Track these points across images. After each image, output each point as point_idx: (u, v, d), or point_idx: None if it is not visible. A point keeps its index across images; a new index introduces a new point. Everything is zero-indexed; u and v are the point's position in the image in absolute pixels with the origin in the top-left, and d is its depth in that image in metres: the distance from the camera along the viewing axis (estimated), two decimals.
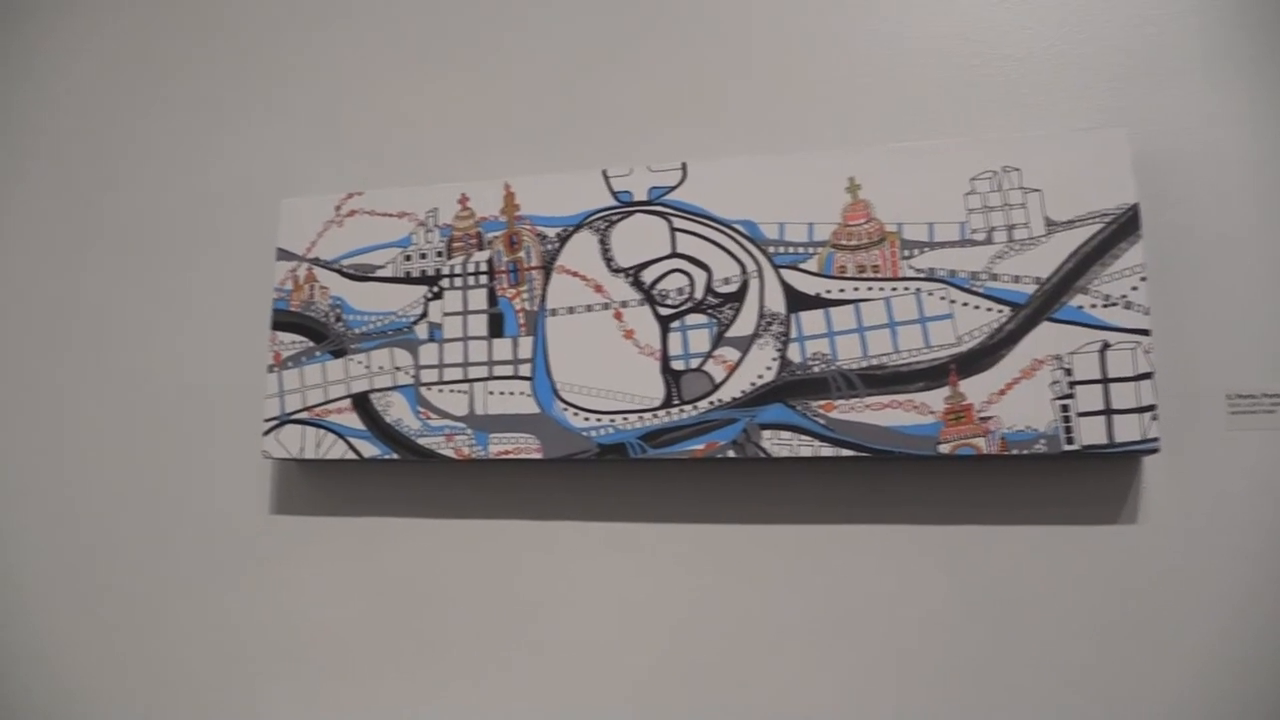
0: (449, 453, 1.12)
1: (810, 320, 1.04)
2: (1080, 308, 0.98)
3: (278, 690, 1.23)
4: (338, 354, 1.19)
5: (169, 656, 1.28)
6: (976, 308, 1.00)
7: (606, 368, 1.09)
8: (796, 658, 1.07)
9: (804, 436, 1.02)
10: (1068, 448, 0.96)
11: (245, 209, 1.37)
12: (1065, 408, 0.97)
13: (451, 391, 1.14)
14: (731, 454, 1.03)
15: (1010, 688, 1.01)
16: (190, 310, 1.37)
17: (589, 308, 1.11)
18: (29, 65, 1.55)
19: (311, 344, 1.20)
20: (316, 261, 1.22)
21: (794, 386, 1.03)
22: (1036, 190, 1.01)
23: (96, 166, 1.47)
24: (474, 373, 1.13)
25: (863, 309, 1.03)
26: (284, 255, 1.24)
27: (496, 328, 1.13)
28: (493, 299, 1.14)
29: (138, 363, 1.38)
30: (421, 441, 1.14)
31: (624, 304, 1.10)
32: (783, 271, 1.06)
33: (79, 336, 1.42)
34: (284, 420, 1.19)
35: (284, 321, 1.22)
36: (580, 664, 1.13)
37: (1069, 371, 0.97)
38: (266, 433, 1.20)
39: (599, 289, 1.11)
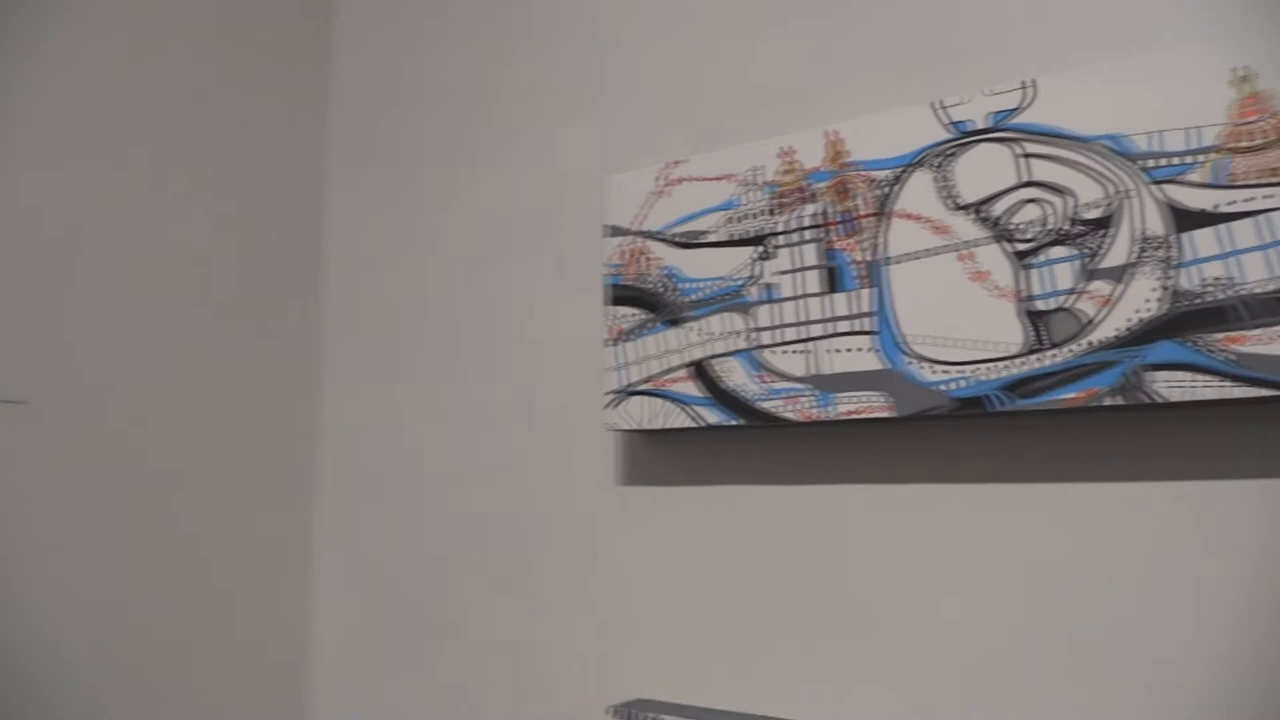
0: (791, 415, 1.09)
1: (1202, 240, 0.89)
2: None
3: (644, 662, 1.26)
4: (673, 323, 1.19)
5: (528, 630, 1.36)
6: None
7: (957, 315, 1.00)
8: (1213, 638, 0.93)
9: (1204, 376, 0.88)
10: None
11: (572, 190, 1.41)
12: None
13: (790, 352, 1.10)
14: (1114, 401, 0.91)
15: None
16: (529, 293, 1.43)
17: (932, 251, 1.02)
18: (367, 69, 1.69)
19: (647, 315, 1.21)
20: (645, 234, 1.23)
21: (1187, 319, 0.89)
22: None
23: (436, 164, 1.58)
24: (812, 331, 1.09)
25: (1274, 220, 0.87)
26: (613, 231, 1.25)
27: (832, 282, 1.08)
28: (826, 253, 1.09)
29: (482, 347, 1.47)
30: (762, 405, 1.11)
31: (971, 243, 1.01)
32: (1161, 187, 0.92)
33: (428, 326, 1.54)
34: (626, 392, 1.21)
35: (619, 296, 1.23)
36: (940, 635, 1.05)
37: None
38: (608, 406, 1.23)
39: (941, 230, 1.02)
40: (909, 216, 1.04)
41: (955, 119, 1.03)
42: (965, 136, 1.02)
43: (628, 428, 1.21)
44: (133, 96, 1.49)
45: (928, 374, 1.01)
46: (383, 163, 1.67)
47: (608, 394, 1.23)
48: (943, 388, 1.00)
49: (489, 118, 1.53)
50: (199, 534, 1.51)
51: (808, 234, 1.10)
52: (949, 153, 1.03)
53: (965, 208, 1.01)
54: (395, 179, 1.64)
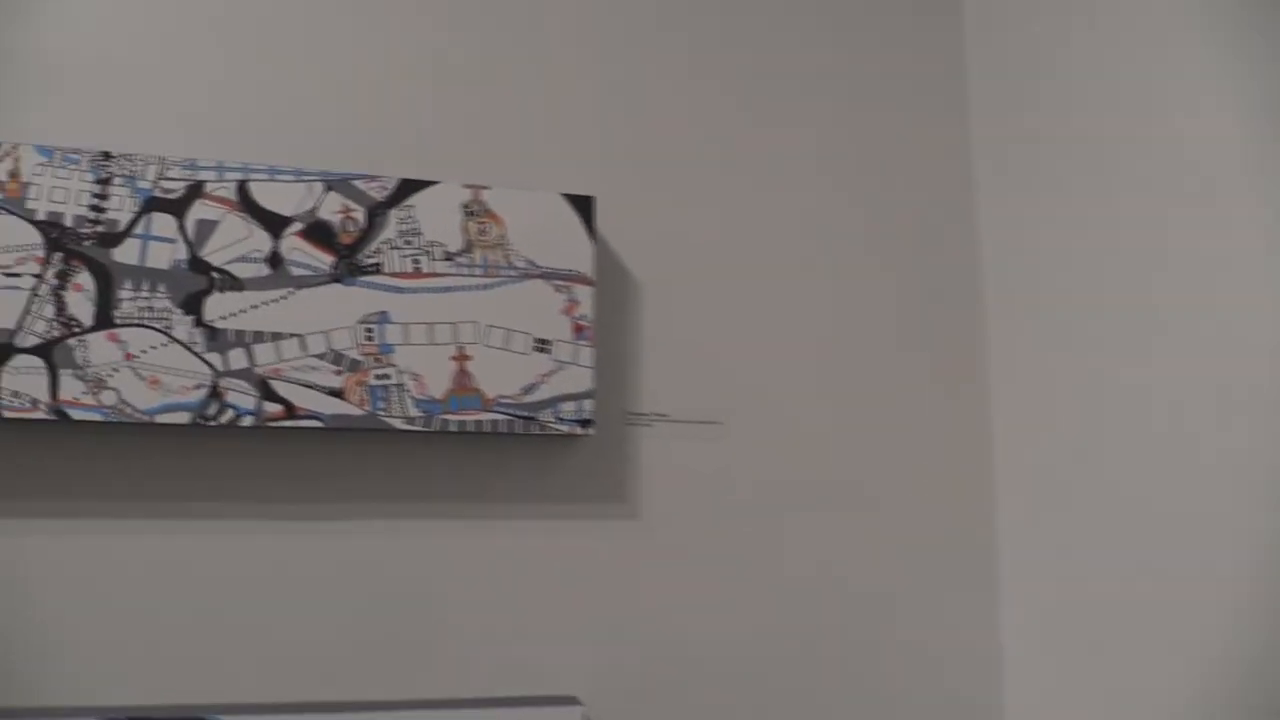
0: None
1: None
2: None
3: None
4: None
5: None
6: None
7: None
8: None
9: None
10: None
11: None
12: None
13: None
14: None
15: None
16: (1202, 255, 1.25)
17: None
18: (1003, 55, 1.63)
19: None
20: None
21: None
22: None
23: (1079, 139, 1.47)
24: None
25: None
26: None
27: None
28: None
29: (1153, 325, 1.32)
30: None
31: None
32: None
33: (1091, 309, 1.43)
34: None
35: None
36: None
37: None
38: None
39: None
40: None
41: None
42: None
43: None
44: (822, 141, 1.65)
45: None
46: (1025, 149, 1.60)
47: None
48: None
49: (1128, 72, 1.38)
50: (884, 541, 1.57)
51: None
52: None
53: None
54: (1040, 161, 1.57)
